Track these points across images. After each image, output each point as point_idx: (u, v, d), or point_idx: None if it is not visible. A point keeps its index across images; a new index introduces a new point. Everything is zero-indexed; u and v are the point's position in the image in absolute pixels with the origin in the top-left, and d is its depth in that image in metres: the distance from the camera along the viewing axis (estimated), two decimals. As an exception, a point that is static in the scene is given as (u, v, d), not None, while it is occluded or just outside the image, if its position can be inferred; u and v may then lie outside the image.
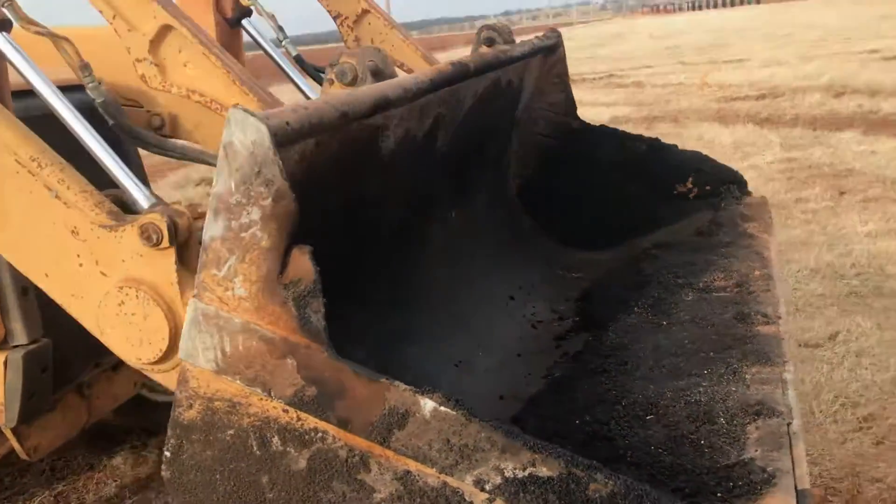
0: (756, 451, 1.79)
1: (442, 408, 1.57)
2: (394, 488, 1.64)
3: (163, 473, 1.78)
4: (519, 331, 2.99)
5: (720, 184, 3.47)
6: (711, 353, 2.32)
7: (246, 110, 1.61)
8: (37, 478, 3.85)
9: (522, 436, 1.57)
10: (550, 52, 3.58)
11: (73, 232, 2.13)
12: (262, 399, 1.69)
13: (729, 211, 3.34)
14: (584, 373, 2.40)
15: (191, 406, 1.74)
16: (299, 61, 3.62)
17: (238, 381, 1.69)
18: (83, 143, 2.21)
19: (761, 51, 22.70)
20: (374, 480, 1.65)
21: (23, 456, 2.89)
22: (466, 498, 1.59)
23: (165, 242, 2.05)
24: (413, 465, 1.61)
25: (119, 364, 3.32)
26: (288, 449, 1.69)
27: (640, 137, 3.56)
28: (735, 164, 8.83)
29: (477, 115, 2.95)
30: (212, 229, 1.68)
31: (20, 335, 2.64)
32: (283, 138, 1.63)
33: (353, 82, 2.33)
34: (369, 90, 2.21)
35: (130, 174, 2.20)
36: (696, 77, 17.54)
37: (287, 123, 1.66)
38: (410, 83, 2.37)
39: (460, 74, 2.69)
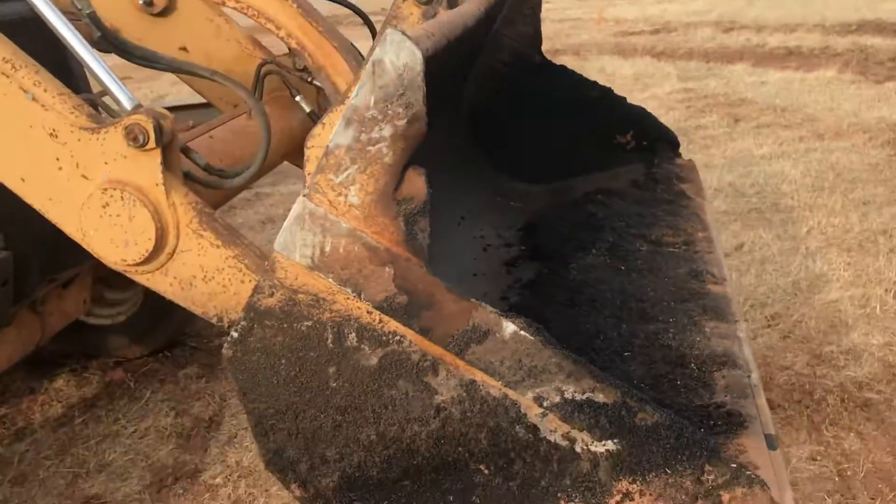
0: (725, 396, 2.03)
1: (522, 332, 1.73)
2: (456, 393, 1.80)
3: (224, 351, 1.88)
4: (472, 252, 3.12)
5: (656, 141, 3.65)
6: (672, 304, 2.51)
7: (404, 33, 1.65)
8: (-25, 403, 3.81)
9: (589, 366, 1.75)
10: None
11: (51, 135, 2.13)
12: (348, 299, 1.80)
13: (664, 169, 3.53)
14: (553, 304, 2.54)
15: (272, 294, 1.84)
16: None
17: (330, 279, 1.79)
18: (68, 45, 2.19)
19: (652, -12, 23.24)
20: (439, 384, 1.80)
21: (-19, 370, 2.88)
22: (522, 410, 1.77)
23: (152, 143, 2.08)
24: (480, 376, 1.78)
25: (70, 282, 3.32)
26: (362, 346, 1.82)
27: (594, 84, 3.66)
28: (636, 95, 9.21)
29: (471, 37, 3.04)
30: (339, 137, 1.74)
31: (-22, 247, 2.62)
32: (427, 64, 1.68)
33: (430, 1, 2.32)
34: (456, 15, 2.24)
35: (115, 76, 2.20)
36: (592, 13, 17.86)
37: (429, 50, 1.72)
38: (474, 11, 2.41)
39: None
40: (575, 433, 1.76)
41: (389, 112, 1.69)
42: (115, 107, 2.57)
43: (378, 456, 1.88)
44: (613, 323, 2.43)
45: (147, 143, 2.08)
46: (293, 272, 1.81)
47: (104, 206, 2.13)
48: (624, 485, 1.76)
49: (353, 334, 1.82)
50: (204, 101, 3.55)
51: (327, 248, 1.78)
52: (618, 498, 1.77)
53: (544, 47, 3.79)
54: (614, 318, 2.46)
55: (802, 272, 4.55)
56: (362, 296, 1.78)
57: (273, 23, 2.22)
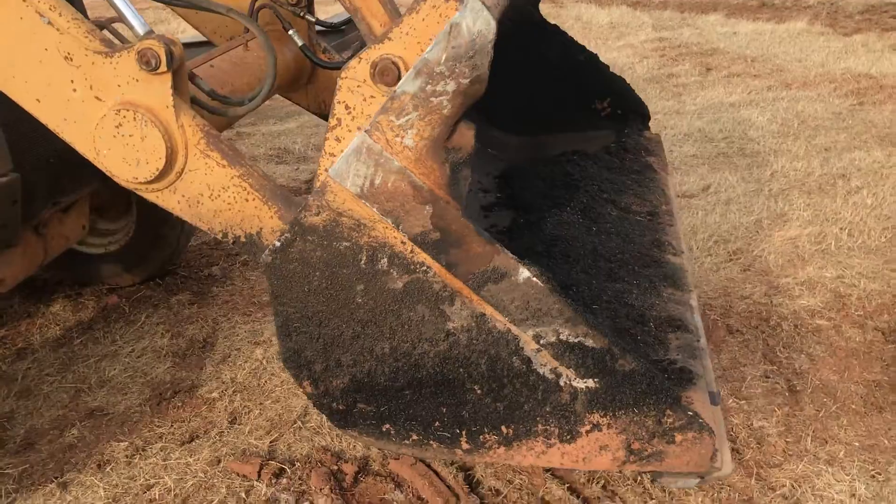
0: (677, 355, 2.33)
1: (534, 278, 1.98)
2: (466, 322, 2.06)
3: (264, 258, 2.10)
4: None
5: (630, 112, 3.84)
6: (637, 268, 2.77)
7: (483, 2, 1.82)
8: (-26, 325, 3.96)
9: (585, 314, 2.02)
10: None
11: (66, 58, 2.25)
12: (387, 228, 2.02)
13: (633, 140, 3.73)
14: (531, 254, 2.74)
15: (318, 213, 2.05)
16: None
17: (374, 208, 2.01)
18: None
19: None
20: (453, 313, 2.06)
21: (-9, 288, 3.04)
22: (520, 344, 2.05)
23: (163, 67, 2.22)
24: (490, 310, 2.03)
25: (69, 208, 3.46)
26: (392, 270, 2.06)
27: (582, 49, 3.82)
28: (612, 44, 9.35)
29: None
30: (407, 85, 1.93)
31: (-8, 168, 2.74)
32: (497, 33, 1.87)
33: None
34: None
35: (129, 2, 2.32)
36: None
37: (500, 21, 1.89)
38: None
39: None
40: (562, 369, 2.04)
41: (457, 70, 1.87)
42: (125, 33, 2.70)
43: (387, 366, 2.14)
44: (584, 278, 2.69)
45: (159, 67, 2.22)
46: (341, 197, 2.01)
47: (117, 127, 2.27)
48: (595, 417, 2.06)
49: (385, 259, 2.05)
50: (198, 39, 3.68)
51: (377, 181, 1.99)
52: (588, 427, 2.08)
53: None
54: (585, 273, 2.72)
55: (765, 212, 4.79)
56: (400, 227, 2.00)
57: None
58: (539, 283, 1.98)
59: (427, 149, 1.96)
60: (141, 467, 2.95)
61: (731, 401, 3.15)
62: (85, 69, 2.26)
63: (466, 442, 2.17)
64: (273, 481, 2.84)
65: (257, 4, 3.32)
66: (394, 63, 2.06)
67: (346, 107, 2.12)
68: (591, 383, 2.04)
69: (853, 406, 3.09)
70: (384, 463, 2.91)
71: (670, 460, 2.06)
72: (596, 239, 2.91)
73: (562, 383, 2.06)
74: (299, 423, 3.14)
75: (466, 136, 1.99)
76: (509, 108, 3.82)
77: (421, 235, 2.00)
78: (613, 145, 3.70)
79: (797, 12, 10.83)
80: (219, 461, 2.96)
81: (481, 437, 2.16)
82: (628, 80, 3.90)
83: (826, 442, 2.91)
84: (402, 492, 2.79)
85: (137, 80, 2.25)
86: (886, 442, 2.89)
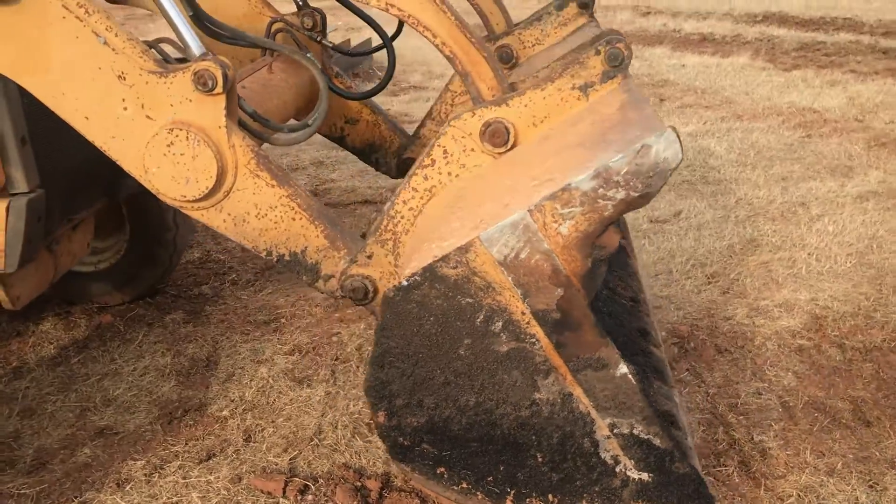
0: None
1: (629, 376, 2.14)
2: (554, 396, 2.20)
3: (388, 293, 2.19)
4: None
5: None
6: (629, 355, 2.78)
7: (677, 134, 1.97)
8: (-37, 344, 3.87)
9: (658, 416, 2.18)
10: None
11: (119, 77, 2.28)
12: (513, 297, 2.14)
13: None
14: None
15: (455, 267, 2.15)
16: None
17: (510, 277, 2.12)
18: None
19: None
20: (545, 385, 2.20)
21: (7, 305, 3.01)
22: (594, 428, 2.21)
23: (219, 88, 2.27)
24: (578, 392, 2.18)
25: (78, 225, 3.44)
26: (502, 335, 2.17)
27: None
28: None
29: None
30: (583, 183, 2.03)
31: (21, 183, 2.73)
32: None
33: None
34: None
35: (186, 23, 2.37)
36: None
37: None
38: None
39: None
40: (623, 458, 2.19)
41: (632, 184, 2.00)
42: (173, 53, 2.73)
43: (466, 417, 2.25)
44: None
45: (214, 89, 2.27)
46: (482, 259, 2.12)
47: (168, 146, 2.31)
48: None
49: (501, 323, 2.17)
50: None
51: (522, 255, 2.11)
52: None
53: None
54: None
55: (735, 237, 5.03)
56: (527, 300, 2.13)
57: (429, 31, 2.47)
58: (633, 380, 2.15)
59: (578, 240, 2.09)
60: (161, 486, 2.94)
61: (730, 416, 3.32)
62: (138, 88, 2.30)
63: (512, 500, 2.29)
64: (299, 498, 2.87)
65: (273, 28, 3.38)
66: (506, 128, 2.21)
67: (445, 152, 2.26)
68: (645, 476, 2.20)
69: (843, 420, 3.29)
70: (406, 479, 2.97)
71: None
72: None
73: (618, 470, 2.21)
74: (316, 440, 3.18)
75: (613, 238, 2.15)
76: None
77: (543, 312, 2.13)
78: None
79: (738, 47, 11.34)
80: (240, 479, 2.97)
81: (528, 499, 2.28)
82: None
83: (824, 454, 3.09)
84: (428, 507, 2.85)
85: (191, 101, 2.29)
86: (878, 454, 3.08)
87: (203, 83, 2.26)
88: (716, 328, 4.01)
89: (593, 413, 2.19)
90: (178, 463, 3.05)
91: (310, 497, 2.88)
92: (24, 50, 2.28)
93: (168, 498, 2.88)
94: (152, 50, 2.36)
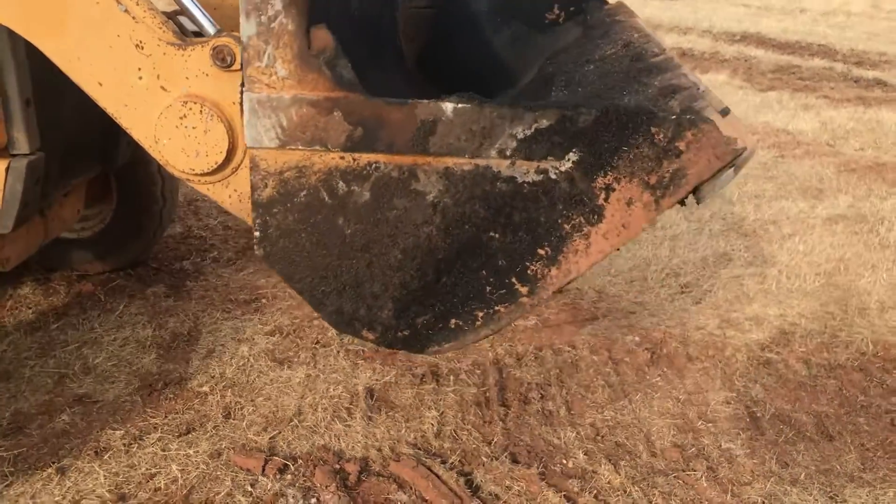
0: (681, 107, 2.16)
1: (460, 104, 2.00)
2: (440, 185, 2.07)
3: (256, 252, 2.15)
4: None
5: (581, 2, 3.75)
6: (623, 84, 2.63)
7: None
8: (-61, 304, 3.83)
9: (520, 103, 2.02)
10: None
11: (137, 46, 2.27)
12: (321, 155, 2.06)
13: (596, 18, 3.77)
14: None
15: (266, 185, 2.10)
16: None
17: (300, 147, 2.05)
18: None
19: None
20: (424, 185, 2.08)
21: (-4, 266, 2.99)
22: (494, 169, 2.05)
23: (237, 65, 2.28)
24: (450, 161, 2.05)
25: (69, 192, 3.43)
26: (352, 188, 2.09)
27: None
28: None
29: None
30: (247, 29, 1.99)
31: (22, 145, 2.72)
32: None
33: None
34: None
35: (196, 1, 2.36)
36: None
37: None
38: None
39: None
40: (543, 164, 2.01)
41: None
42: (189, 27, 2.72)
43: (411, 269, 2.14)
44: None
45: (233, 65, 2.28)
46: (272, 158, 2.08)
47: (181, 118, 2.30)
48: (601, 182, 2.02)
49: (341, 182, 2.08)
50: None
51: (284, 122, 2.05)
52: (603, 195, 2.02)
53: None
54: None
55: (709, 250, 5.15)
56: (329, 145, 2.05)
57: None
58: (466, 104, 1.98)
59: (299, 67, 2.01)
60: (140, 456, 2.96)
61: (699, 423, 3.42)
62: (155, 58, 2.29)
63: (523, 286, 2.13)
64: (278, 476, 2.91)
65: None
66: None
67: None
68: (572, 156, 2.00)
69: (807, 434, 3.41)
70: (384, 464, 3.02)
71: (693, 169, 1.96)
72: (582, 94, 2.85)
73: (553, 176, 2.03)
74: (295, 421, 3.21)
75: (323, 36, 2.03)
76: (482, 76, 3.96)
77: (348, 140, 2.03)
78: (581, 33, 3.78)
79: (716, 64, 11.53)
80: (220, 454, 3.00)
81: (529, 272, 2.12)
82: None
83: (787, 465, 3.20)
84: (405, 493, 2.90)
85: (207, 75, 2.28)
86: (839, 467, 3.21)
87: (221, 58, 2.25)
88: (688, 337, 4.11)
89: (478, 161, 2.02)
90: (158, 435, 3.07)
91: (289, 476, 2.92)
92: (44, 12, 2.27)
93: (147, 469, 2.90)
94: (170, 21, 2.36)
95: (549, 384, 3.62)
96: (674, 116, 1.93)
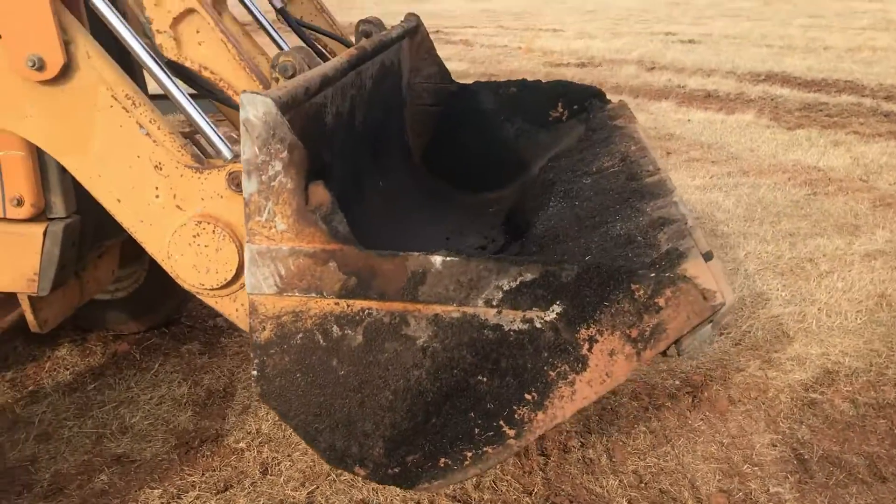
0: (668, 245, 2.33)
1: (448, 258, 2.10)
2: (430, 331, 2.16)
3: (254, 390, 2.23)
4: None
5: (584, 100, 4.01)
6: (617, 206, 2.79)
7: (254, 92, 2.03)
8: (-22, 366, 3.87)
9: (506, 258, 2.12)
10: (414, 33, 4.05)
11: (156, 167, 2.38)
12: (317, 301, 2.16)
13: (598, 118, 3.85)
14: (527, 254, 2.88)
15: (264, 328, 2.19)
16: (283, 13, 3.81)
17: (296, 294, 2.15)
18: (167, 92, 2.42)
19: (572, 23, 24.20)
20: (414, 330, 2.17)
21: (34, 328, 3.02)
22: (482, 317, 2.14)
23: None
24: (439, 308, 2.15)
25: (104, 253, 3.47)
26: (346, 331, 2.18)
27: (508, 82, 4.07)
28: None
29: (375, 95, 3.39)
30: (249, 187, 2.10)
31: (59, 208, 2.77)
32: (283, 107, 2.09)
33: (294, 76, 2.68)
34: (315, 71, 2.62)
35: (213, 125, 2.44)
36: (517, 41, 18.54)
37: (281, 98, 2.12)
38: (336, 65, 2.82)
39: (363, 56, 3.14)
40: (529, 314, 2.10)
41: (272, 151, 2.06)
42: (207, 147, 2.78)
43: (401, 409, 2.22)
44: (573, 245, 2.73)
45: None
46: (270, 303, 2.17)
47: (194, 236, 2.39)
48: (584, 333, 2.10)
49: (335, 326, 2.18)
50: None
51: (282, 272, 2.15)
52: (586, 346, 2.11)
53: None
54: (574, 239, 2.77)
55: (745, 290, 5.08)
56: (325, 293, 2.15)
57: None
58: (454, 259, 2.09)
59: (297, 222, 2.12)
60: (179, 516, 2.93)
61: (745, 466, 3.33)
62: (172, 180, 2.39)
63: (510, 429, 2.21)
64: (317, 533, 2.87)
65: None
66: None
67: None
68: (557, 308, 2.10)
69: (859, 475, 3.30)
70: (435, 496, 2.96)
71: (672, 324, 2.05)
72: (578, 210, 2.98)
73: (538, 325, 2.11)
74: (333, 475, 3.18)
75: (320, 193, 2.13)
76: (485, 170, 4.06)
77: (343, 288, 2.13)
78: (584, 133, 3.83)
79: (742, 104, 11.50)
80: (258, 511, 2.97)
81: (516, 416, 2.19)
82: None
83: (840, 508, 3.10)
84: (446, 546, 2.85)
85: (222, 197, 2.37)
86: (894, 509, 3.10)
87: (237, 183, 2.34)
88: (729, 379, 4.03)
89: (466, 309, 2.12)
90: (196, 493, 3.05)
91: (328, 532, 2.88)
92: (68, 130, 2.39)
93: (186, 528, 2.87)
94: (189, 143, 2.43)
95: (588, 431, 3.56)
96: (653, 275, 2.03)
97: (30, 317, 2.98)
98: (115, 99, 2.33)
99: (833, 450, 3.48)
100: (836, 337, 4.45)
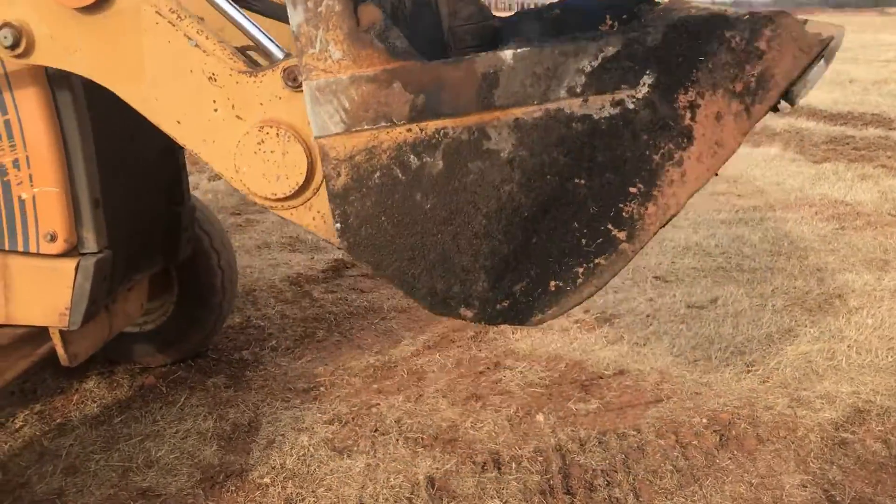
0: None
1: (519, 50, 1.93)
2: (513, 139, 1.96)
3: (339, 246, 2.09)
4: None
5: (633, 7, 3.65)
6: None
7: None
8: (7, 398, 3.91)
9: (582, 37, 1.93)
10: None
11: (210, 78, 2.27)
12: (388, 132, 2.00)
13: (650, 18, 3.62)
14: None
15: (339, 174, 2.07)
16: None
17: (365, 127, 2.01)
18: (214, 4, 2.35)
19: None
20: (497, 142, 1.98)
21: (64, 362, 3.05)
22: (566, 110, 1.91)
23: None
24: (518, 111, 1.93)
25: (133, 286, 3.51)
26: (425, 159, 2.02)
27: (551, 5, 3.82)
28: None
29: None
30: (296, 18, 1.98)
31: (91, 244, 2.81)
32: None
33: None
34: None
35: (262, 29, 2.36)
36: None
37: None
38: None
39: None
40: (617, 94, 1.90)
41: None
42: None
43: (499, 234, 2.03)
44: None
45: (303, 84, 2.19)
46: (339, 144, 2.04)
47: (259, 143, 2.26)
48: (683, 100, 1.89)
49: (412, 155, 2.01)
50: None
51: (346, 104, 2.01)
52: (688, 115, 1.89)
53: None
54: None
55: (773, 326, 5.02)
56: (394, 119, 1.98)
57: None
58: (526, 50, 1.91)
59: (351, 45, 1.98)
60: (203, 551, 2.93)
61: (775, 508, 3.28)
62: (228, 89, 2.28)
63: (619, 231, 1.99)
64: (340, 571, 2.85)
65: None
66: None
67: None
68: (647, 79, 1.89)
69: (892, 518, 3.24)
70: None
71: (779, 68, 1.85)
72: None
73: (630, 106, 1.90)
74: (357, 512, 3.16)
75: (371, 11, 2.01)
76: None
77: (412, 110, 1.98)
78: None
79: (767, 138, 11.48)
80: (281, 548, 2.96)
81: (624, 214, 1.96)
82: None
83: (873, 552, 3.03)
84: (471, 586, 2.81)
85: (280, 98, 2.25)
86: (930, 554, 3.03)
87: (293, 78, 2.21)
88: (757, 417, 3.98)
89: (548, 105, 1.91)
90: (220, 529, 3.05)
91: (352, 570, 2.86)
92: (118, 57, 2.31)
93: (210, 564, 2.87)
94: (239, 54, 2.39)
95: (614, 470, 3.52)
96: (747, 17, 1.82)
97: (60, 350, 3.02)
98: (160, 15, 2.25)
99: (866, 491, 3.41)
100: (867, 375, 4.39)
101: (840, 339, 4.85)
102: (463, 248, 2.05)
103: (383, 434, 3.73)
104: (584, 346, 4.75)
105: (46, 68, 2.69)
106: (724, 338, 4.85)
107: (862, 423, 3.93)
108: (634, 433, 3.80)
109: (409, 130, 1.99)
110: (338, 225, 2.09)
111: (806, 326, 5.03)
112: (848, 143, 11.18)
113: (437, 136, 1.99)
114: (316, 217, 2.32)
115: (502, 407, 3.98)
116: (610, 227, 1.97)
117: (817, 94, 15.67)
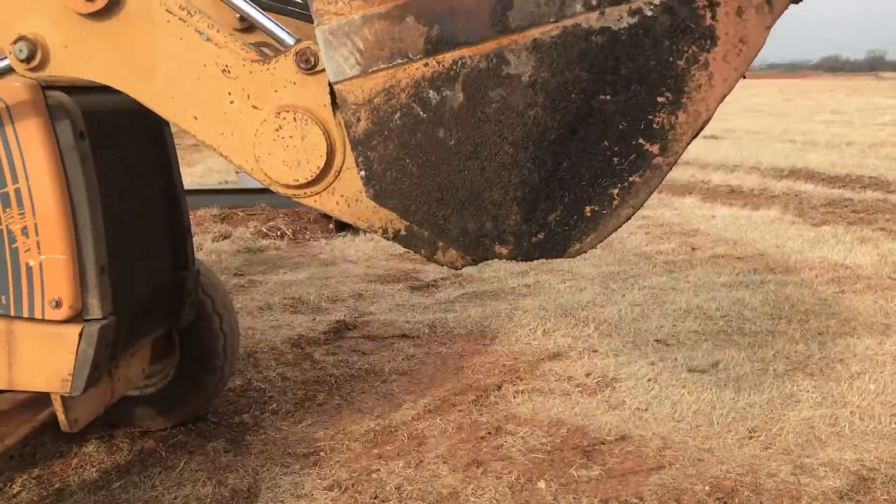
0: None
1: None
2: (532, 61, 1.90)
3: (367, 194, 2.05)
4: None
5: None
6: None
7: None
8: (6, 462, 3.88)
9: None
10: None
11: (224, 71, 2.29)
12: (405, 69, 1.97)
13: None
14: None
15: (358, 119, 2.05)
16: None
17: (381, 66, 1.99)
18: None
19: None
20: (516, 66, 1.92)
21: (64, 427, 3.05)
22: (585, 24, 1.87)
23: (320, 66, 2.21)
24: (536, 32, 1.88)
25: (136, 351, 3.52)
26: (444, 93, 1.96)
27: None
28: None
29: None
30: None
31: (96, 310, 2.84)
32: None
33: None
34: None
35: (269, 17, 2.38)
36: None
37: None
38: None
39: None
40: (634, 3, 1.85)
41: None
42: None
43: (527, 162, 1.97)
44: None
45: (316, 66, 2.23)
46: (357, 88, 2.03)
47: (277, 130, 2.27)
48: (701, 1, 1.83)
49: (431, 91, 1.96)
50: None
51: (361, 45, 1.99)
52: (709, 14, 1.83)
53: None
54: None
55: (775, 391, 5.01)
56: (410, 54, 1.95)
57: None
58: None
59: None
60: None
61: (780, 580, 3.23)
62: (243, 80, 2.30)
63: (651, 144, 1.92)
64: None
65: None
66: None
67: None
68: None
69: (899, 591, 3.19)
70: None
71: None
72: None
73: (648, 13, 1.85)
74: (356, 582, 3.12)
75: None
76: None
77: (427, 41, 1.94)
78: None
79: (766, 200, 11.59)
80: None
81: (654, 126, 1.91)
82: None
83: None
84: None
85: (294, 83, 2.27)
86: None
87: (305, 60, 2.23)
88: (760, 485, 3.94)
89: (566, 21, 1.86)
90: None
91: None
92: (132, 59, 2.33)
93: None
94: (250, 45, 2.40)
95: (617, 539, 3.48)
96: None
97: (61, 416, 3.02)
98: (170, 12, 2.27)
99: (871, 563, 3.37)
100: (871, 442, 4.36)
101: (842, 404, 4.83)
102: (492, 181, 1.99)
103: (383, 501, 3.69)
104: (585, 410, 4.73)
105: (58, 138, 2.75)
106: (725, 403, 4.83)
107: (867, 491, 3.90)
108: (637, 501, 3.77)
109: (426, 65, 1.96)
110: (363, 173, 2.05)
111: (808, 391, 5.01)
112: (846, 206, 11.29)
113: (454, 67, 1.95)
114: (340, 201, 2.31)
115: (503, 473, 3.95)
116: (641, 141, 1.92)
117: (815, 156, 15.87)
